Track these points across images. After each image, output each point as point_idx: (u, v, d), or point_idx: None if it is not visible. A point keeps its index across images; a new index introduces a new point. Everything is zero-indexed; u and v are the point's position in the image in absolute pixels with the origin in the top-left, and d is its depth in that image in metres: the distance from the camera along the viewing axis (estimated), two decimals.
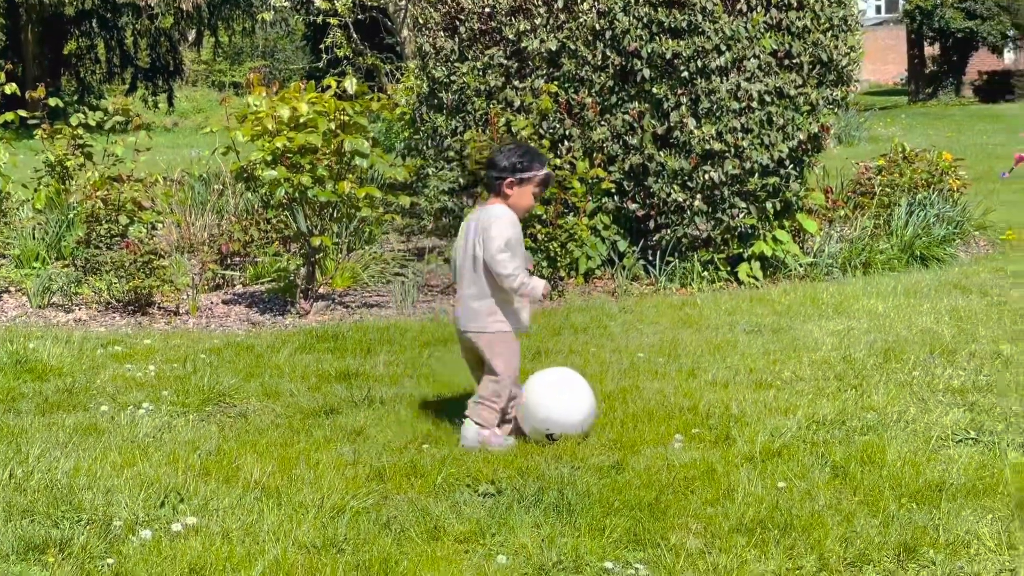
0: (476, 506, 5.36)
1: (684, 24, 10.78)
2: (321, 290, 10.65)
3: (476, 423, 6.30)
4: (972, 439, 6.14)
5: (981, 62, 52.22)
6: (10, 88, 12.70)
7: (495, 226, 6.23)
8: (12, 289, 11.03)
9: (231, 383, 7.50)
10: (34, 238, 12.07)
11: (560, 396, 6.32)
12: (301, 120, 9.79)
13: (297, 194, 9.81)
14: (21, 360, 8.09)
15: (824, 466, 5.77)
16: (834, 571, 4.59)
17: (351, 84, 10.33)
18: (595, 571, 4.65)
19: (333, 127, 9.88)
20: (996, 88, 48.91)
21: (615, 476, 5.70)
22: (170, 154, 22.99)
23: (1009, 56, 54.59)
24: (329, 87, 10.24)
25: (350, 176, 10.04)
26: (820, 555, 4.72)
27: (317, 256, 10.31)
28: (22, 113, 12.43)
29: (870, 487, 5.44)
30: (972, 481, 5.48)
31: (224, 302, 10.63)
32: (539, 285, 6.23)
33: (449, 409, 6.82)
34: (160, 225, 11.89)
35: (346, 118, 9.94)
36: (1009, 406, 6.66)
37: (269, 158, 9.72)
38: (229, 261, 11.68)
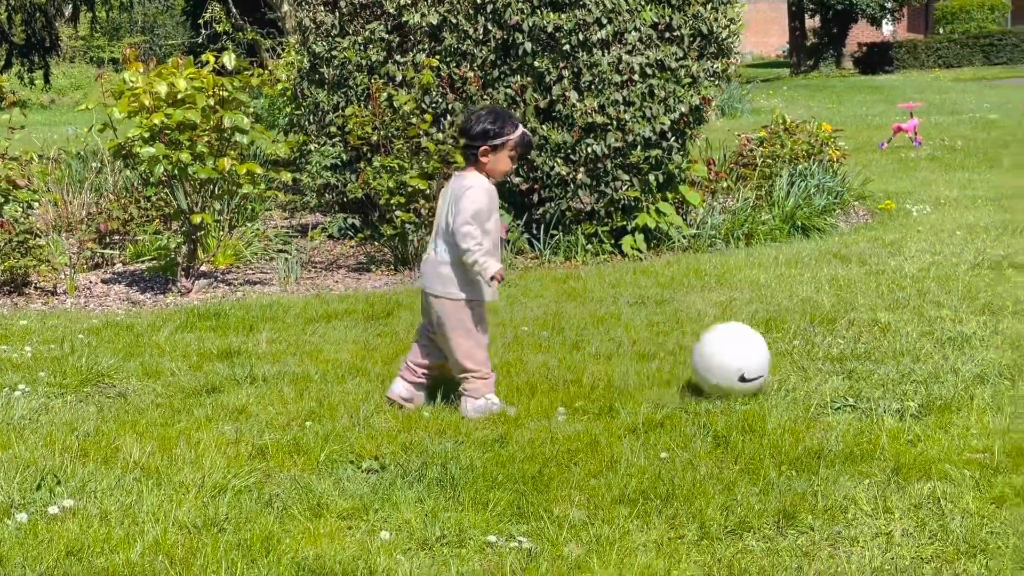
0: (359, 482, 5.33)
1: None
2: (203, 268, 10.53)
3: (472, 398, 6.34)
4: (850, 406, 6.22)
5: (860, 34, 53.02)
6: None
7: (466, 197, 6.21)
8: None
9: (110, 363, 7.38)
10: None
11: (748, 341, 6.48)
12: (179, 96, 9.66)
13: (176, 171, 9.68)
14: None
15: (706, 436, 5.81)
16: (715, 539, 4.63)
17: (230, 59, 10.21)
18: (479, 545, 4.64)
19: (212, 103, 9.76)
20: (875, 60, 49.63)
21: (499, 450, 5.70)
22: (46, 132, 22.63)
23: (888, 28, 55.44)
24: (207, 63, 10.11)
25: (231, 152, 9.93)
26: (701, 524, 4.76)
27: (198, 234, 10.20)
28: None
29: (751, 456, 5.49)
30: (850, 447, 5.55)
31: (103, 281, 10.47)
32: (492, 267, 6.19)
33: (332, 386, 6.79)
34: (36, 204, 11.67)
35: (225, 94, 9.82)
36: (886, 373, 6.75)
37: (147, 135, 9.57)
38: (108, 240, 11.50)
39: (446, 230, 6.30)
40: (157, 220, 10.71)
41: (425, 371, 6.53)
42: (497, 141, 6.28)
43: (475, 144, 6.29)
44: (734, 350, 6.41)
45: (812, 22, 52.53)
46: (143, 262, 11.08)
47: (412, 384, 6.52)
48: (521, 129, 6.39)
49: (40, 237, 10.28)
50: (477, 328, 6.39)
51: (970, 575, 4.22)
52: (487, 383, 6.39)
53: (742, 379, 6.35)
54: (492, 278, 6.22)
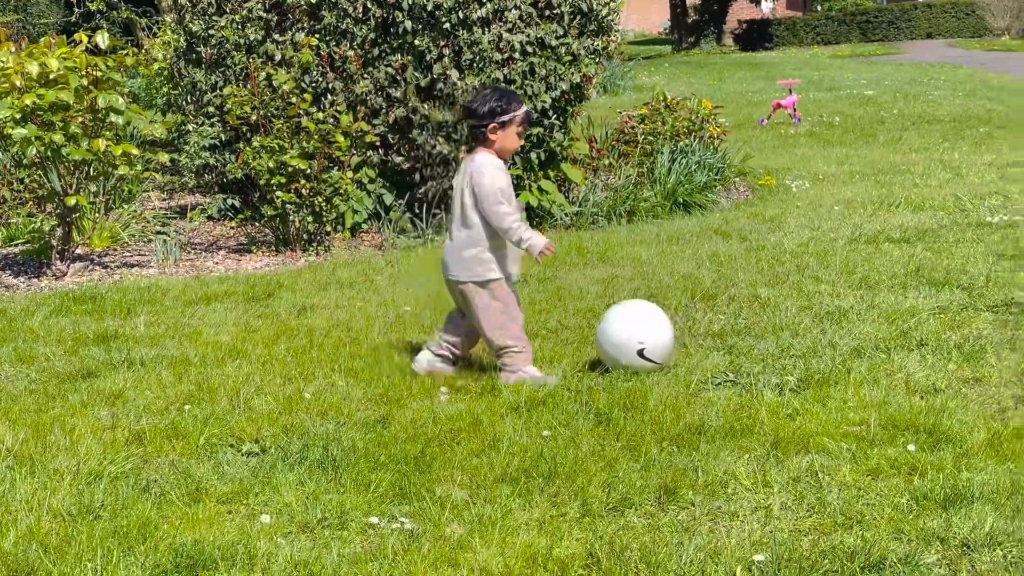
0: (239, 466, 5.27)
1: None
2: (79, 251, 10.36)
3: (510, 372, 6.40)
4: (731, 382, 6.26)
5: (740, 11, 53.50)
6: None
7: (486, 177, 6.28)
8: None
9: None
10: None
11: (649, 317, 6.53)
12: (52, 77, 9.47)
13: (50, 153, 9.50)
14: None
15: (588, 413, 5.82)
16: (597, 516, 4.64)
17: (103, 39, 10.04)
18: (360, 526, 4.61)
19: (86, 83, 9.58)
20: (755, 37, 50.15)
21: (381, 431, 5.67)
22: None
23: (767, 5, 56.03)
24: (80, 42, 9.93)
25: (106, 133, 9.77)
26: (583, 501, 4.76)
27: (73, 216, 10.02)
28: None
29: (632, 432, 5.51)
30: (730, 423, 5.59)
31: None
32: (538, 242, 6.25)
33: (212, 369, 6.72)
34: None
35: (99, 74, 9.65)
36: (766, 348, 6.81)
37: (19, 116, 9.38)
38: None
39: (462, 215, 6.36)
40: (30, 203, 10.49)
41: (450, 347, 6.65)
42: (505, 118, 6.33)
43: (483, 123, 6.33)
44: (639, 323, 6.46)
45: (693, 0, 52.91)
46: (16, 245, 10.87)
47: (436, 356, 6.64)
48: (525, 106, 6.46)
49: None
50: (508, 305, 6.43)
51: (847, 546, 4.26)
52: (524, 356, 6.44)
53: (640, 354, 6.37)
54: (541, 253, 6.27)
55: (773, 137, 18.14)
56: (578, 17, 11.20)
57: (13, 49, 9.72)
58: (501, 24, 10.87)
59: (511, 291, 6.48)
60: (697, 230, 10.65)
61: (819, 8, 52.84)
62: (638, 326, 6.45)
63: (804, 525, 4.50)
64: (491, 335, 6.44)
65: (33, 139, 9.32)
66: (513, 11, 10.86)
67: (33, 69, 9.39)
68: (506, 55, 10.86)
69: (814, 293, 8.08)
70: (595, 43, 11.44)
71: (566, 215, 11.42)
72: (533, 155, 11.17)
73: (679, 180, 12.24)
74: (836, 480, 4.88)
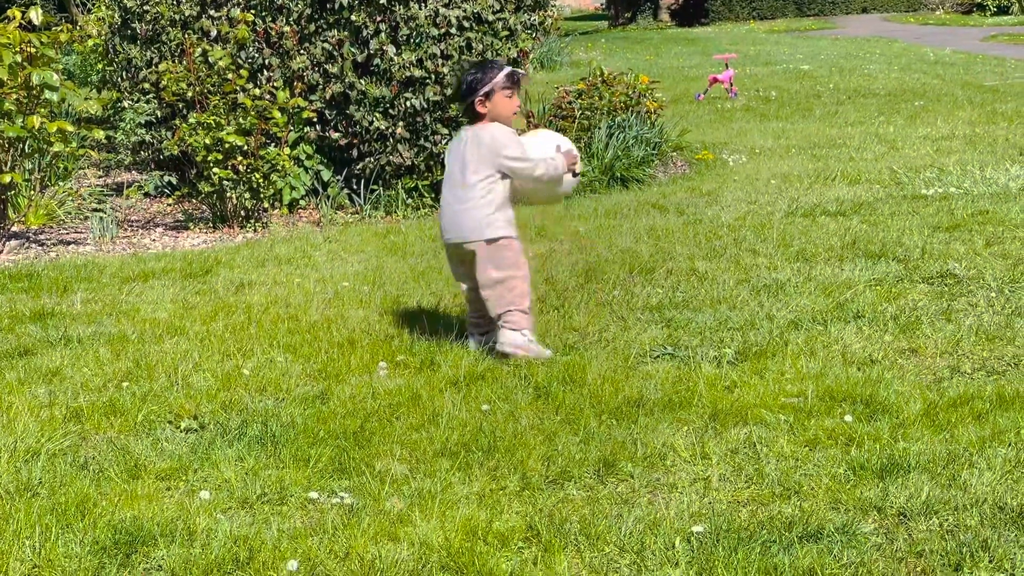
0: (178, 442, 5.27)
1: None
2: (14, 229, 10.28)
3: (511, 329, 6.33)
4: (669, 355, 6.30)
5: None
6: None
7: (497, 142, 6.32)
8: None
9: None
10: None
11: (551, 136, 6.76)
12: None
13: None
14: None
15: (527, 387, 5.85)
16: (536, 489, 4.67)
17: (37, 15, 9.95)
18: (300, 501, 4.62)
19: (20, 60, 9.50)
20: (691, 12, 50.27)
21: (320, 406, 5.67)
22: None
23: None
24: (13, 18, 9.83)
25: (41, 110, 9.70)
26: (523, 475, 4.79)
27: (8, 194, 9.95)
28: None
29: (571, 406, 5.54)
30: (669, 395, 5.63)
31: None
32: (559, 160, 6.49)
33: (150, 346, 6.69)
34: None
35: (33, 50, 9.58)
36: (704, 320, 6.86)
37: None
38: None
39: (462, 179, 6.35)
40: None
41: (480, 317, 6.58)
42: (486, 88, 6.33)
43: (468, 100, 6.37)
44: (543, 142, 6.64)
45: None
46: None
47: (480, 335, 6.61)
48: (507, 68, 6.43)
49: None
50: (516, 261, 6.39)
51: (784, 516, 4.31)
52: (528, 318, 6.38)
53: (558, 148, 6.57)
54: (572, 170, 6.53)
55: (710, 112, 18.21)
56: None
57: None
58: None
59: (519, 248, 6.45)
60: (635, 204, 10.69)
61: None
62: (548, 144, 6.60)
63: (742, 496, 4.54)
64: (499, 290, 6.34)
65: None
66: None
67: None
68: (443, 30, 10.84)
69: (751, 266, 8.14)
70: (532, 18, 11.45)
71: None
72: None
73: (616, 155, 12.28)
74: (774, 451, 4.93)
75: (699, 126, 16.11)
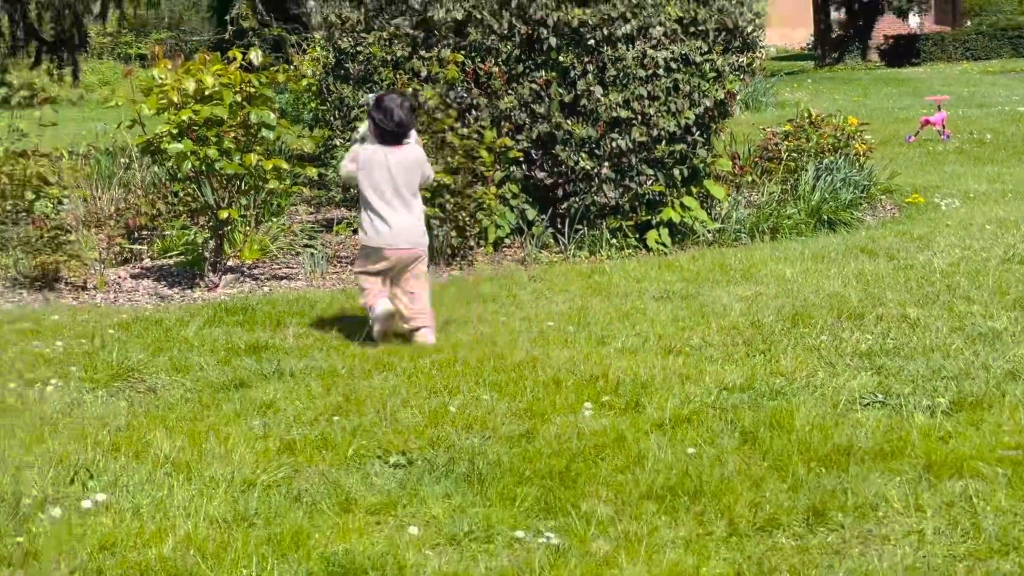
0: (387, 477, 5.36)
1: None
2: (230, 263, 10.57)
3: (428, 327, 7.77)
4: (880, 402, 6.20)
5: (887, 26, 52.73)
6: None
7: (426, 161, 7.95)
8: None
9: (140, 358, 7.42)
10: None
11: None
12: (207, 93, 9.69)
13: (204, 167, 9.72)
14: None
15: (733, 432, 5.81)
16: (744, 536, 4.63)
17: (256, 56, 10.25)
18: (506, 540, 4.66)
19: (239, 99, 9.79)
20: (902, 52, 49.43)
21: (525, 445, 5.71)
22: (76, 128, 22.64)
23: (914, 20, 55.19)
24: (234, 59, 10.14)
25: (257, 148, 9.97)
26: (730, 520, 4.76)
27: (225, 229, 10.23)
28: None
29: (779, 452, 5.49)
30: (880, 444, 5.54)
31: (132, 276, 10.52)
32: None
33: (359, 380, 6.81)
34: (67, 200, 11.72)
35: (252, 90, 9.85)
36: (916, 369, 6.73)
37: (175, 131, 9.62)
38: (137, 235, 11.55)
39: (412, 192, 7.75)
40: (184, 215, 10.73)
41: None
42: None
43: (410, 129, 7.81)
44: None
45: (838, 15, 52.32)
46: (171, 257, 11.12)
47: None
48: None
49: (70, 233, 10.34)
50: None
51: (1003, 573, 4.20)
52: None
53: None
54: None
55: (921, 154, 17.87)
56: (723, 34, 11.17)
57: (170, 66, 9.95)
58: (645, 41, 10.88)
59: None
60: (843, 248, 10.55)
61: (969, 23, 51.91)
62: None
63: (959, 551, 4.44)
64: (427, 293, 7.84)
65: (188, 154, 9.55)
66: (658, 28, 10.87)
67: (190, 86, 9.61)
68: (650, 71, 10.87)
69: (966, 314, 7.96)
70: (740, 59, 11.40)
71: (708, 232, 11.38)
72: (676, 171, 11.17)
73: (824, 197, 12.13)
74: (991, 505, 4.81)
75: (909, 169, 15.81)
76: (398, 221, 7.69)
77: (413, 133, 7.87)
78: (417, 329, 7.78)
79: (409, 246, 7.73)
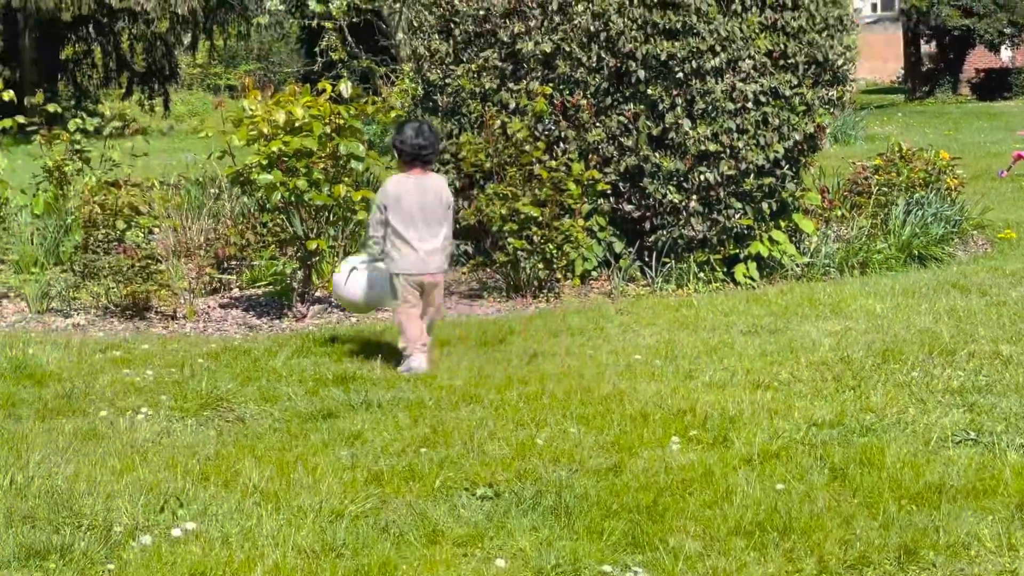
0: (474, 509, 5.36)
1: (679, 25, 10.79)
2: (318, 293, 10.64)
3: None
4: (972, 440, 6.13)
5: (978, 59, 52.21)
6: (8, 95, 12.71)
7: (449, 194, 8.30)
8: (11, 295, 11.01)
9: (229, 387, 7.49)
10: (33, 244, 12.07)
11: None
12: (297, 124, 9.78)
13: (293, 198, 9.81)
14: (20, 365, 8.09)
15: (823, 468, 5.76)
16: (834, 573, 4.59)
17: (346, 87, 10.34)
18: (593, 574, 4.65)
19: (328, 131, 9.87)
20: (993, 86, 48.92)
21: (613, 479, 5.69)
22: (166, 158, 22.96)
23: (1006, 54, 54.62)
24: (324, 91, 10.23)
25: (346, 179, 10.04)
26: (820, 558, 4.72)
27: (313, 260, 10.31)
28: (20, 119, 12.41)
29: (869, 489, 5.43)
30: (972, 482, 5.47)
31: (221, 306, 10.63)
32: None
33: (446, 412, 6.83)
34: (157, 230, 11.89)
35: (341, 121, 9.93)
36: (1009, 407, 6.64)
37: (265, 162, 9.71)
38: (226, 265, 11.66)
39: (440, 220, 8.10)
40: (273, 246, 10.81)
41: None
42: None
43: (436, 152, 8.37)
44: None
45: (928, 48, 51.89)
46: (259, 287, 11.21)
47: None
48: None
49: (160, 262, 10.45)
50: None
51: None
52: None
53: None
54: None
55: (1014, 189, 17.65)
56: (813, 67, 11.12)
57: (260, 98, 10.06)
58: (735, 74, 10.85)
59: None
60: (934, 283, 10.44)
61: None
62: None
63: None
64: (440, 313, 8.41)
65: (278, 185, 9.64)
66: (747, 61, 10.84)
67: (280, 117, 9.71)
68: (739, 105, 10.83)
69: None
70: (830, 93, 11.33)
71: (797, 266, 11.31)
72: (764, 205, 11.11)
73: (914, 232, 12.03)
74: None
75: (1002, 204, 15.62)
76: (425, 247, 8.03)
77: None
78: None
79: (436, 270, 8.10)
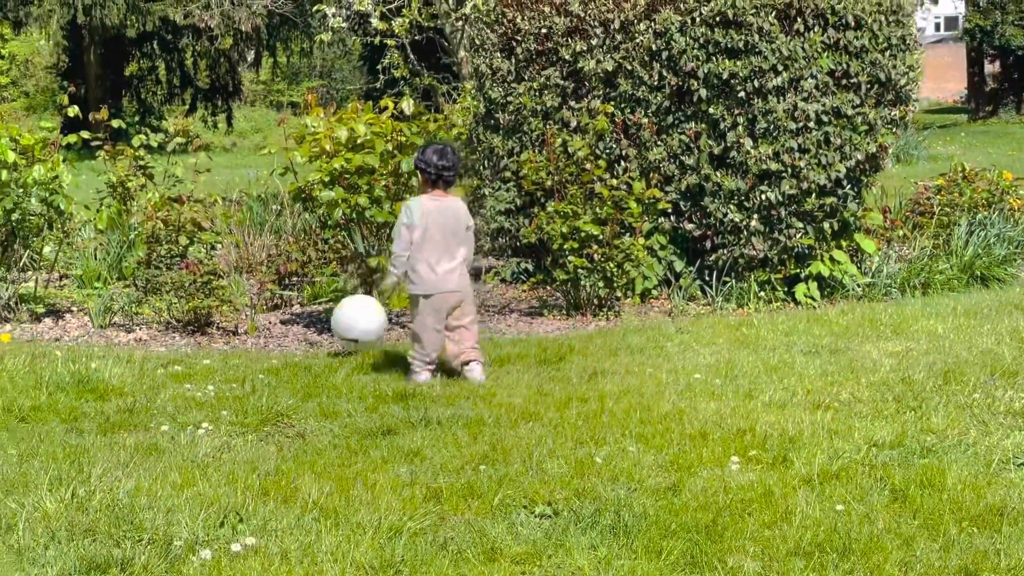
0: (533, 527, 5.36)
1: (741, 44, 10.78)
2: None
3: (477, 361, 8.29)
4: None
5: None
6: (72, 110, 12.87)
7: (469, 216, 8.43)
8: (75, 309, 11.14)
9: (289, 403, 7.54)
10: (96, 259, 12.21)
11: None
12: (358, 141, 9.85)
13: (354, 215, 9.88)
14: (83, 380, 8.17)
15: (883, 489, 5.73)
16: None
17: (408, 105, 10.42)
18: None
19: (390, 148, 9.94)
20: None
21: (671, 498, 5.69)
22: (229, 174, 23.15)
23: None
24: (386, 108, 10.30)
25: (407, 197, 10.09)
26: None
27: (374, 276, 10.36)
28: (85, 135, 12.56)
29: (930, 511, 5.40)
30: None
31: (282, 322, 10.70)
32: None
33: (505, 430, 6.84)
34: (219, 245, 11.99)
35: (403, 139, 10.00)
36: None
37: (327, 179, 9.79)
38: (287, 281, 11.74)
39: (460, 241, 8.27)
40: (334, 262, 10.89)
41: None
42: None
43: (455, 172, 8.39)
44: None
45: (992, 67, 51.52)
46: (320, 304, 11.28)
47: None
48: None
49: (222, 278, 10.55)
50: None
51: None
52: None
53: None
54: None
55: None
56: (875, 86, 11.07)
57: (323, 115, 10.13)
58: (796, 93, 10.82)
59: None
60: (996, 305, 10.36)
61: None
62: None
63: None
64: (476, 328, 8.40)
65: (339, 201, 9.71)
66: (809, 80, 10.81)
67: (342, 134, 9.79)
68: (801, 124, 10.80)
69: None
70: (892, 112, 11.28)
71: (858, 286, 11.25)
72: (826, 225, 11.07)
73: (977, 253, 11.95)
74: None
75: None
76: (442, 268, 8.22)
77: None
78: (467, 363, 8.32)
79: (455, 288, 8.27)
